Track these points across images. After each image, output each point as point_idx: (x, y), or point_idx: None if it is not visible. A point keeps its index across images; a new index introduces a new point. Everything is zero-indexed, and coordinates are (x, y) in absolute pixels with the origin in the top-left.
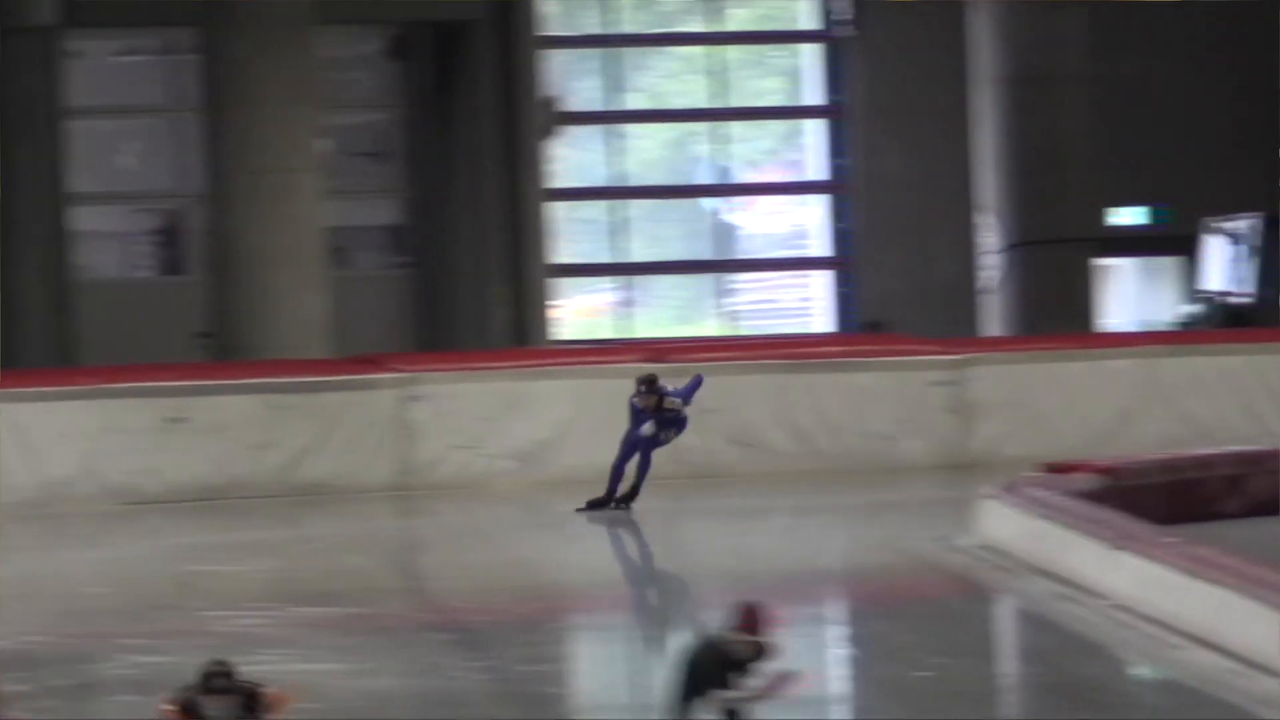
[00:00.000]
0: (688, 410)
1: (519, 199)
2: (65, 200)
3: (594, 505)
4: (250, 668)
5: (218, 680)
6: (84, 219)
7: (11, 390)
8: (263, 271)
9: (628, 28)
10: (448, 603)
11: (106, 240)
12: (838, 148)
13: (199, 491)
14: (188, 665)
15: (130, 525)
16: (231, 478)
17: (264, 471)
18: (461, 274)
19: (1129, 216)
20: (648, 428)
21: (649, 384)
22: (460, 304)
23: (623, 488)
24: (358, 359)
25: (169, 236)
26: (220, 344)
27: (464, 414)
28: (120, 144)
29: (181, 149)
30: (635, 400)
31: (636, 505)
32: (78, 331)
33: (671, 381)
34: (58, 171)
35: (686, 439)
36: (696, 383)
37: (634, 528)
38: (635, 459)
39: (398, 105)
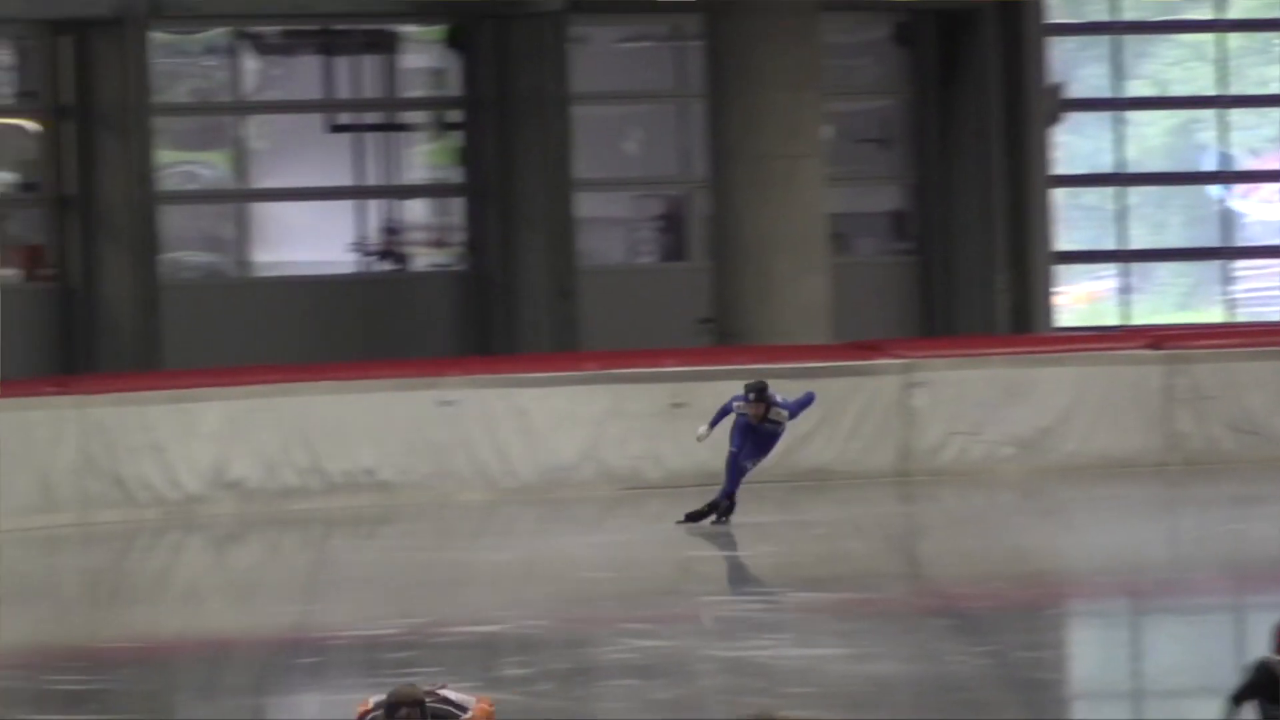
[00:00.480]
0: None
1: (1022, 185)
2: (570, 186)
3: (695, 516)
4: (747, 654)
5: (404, 711)
6: (588, 205)
7: (515, 375)
8: (764, 258)
9: (1131, 15)
10: (947, 588)
11: (610, 226)
12: None
13: (700, 476)
14: (687, 650)
15: (632, 510)
16: None
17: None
18: (963, 260)
19: None
20: (751, 463)
21: (759, 392)
22: (961, 290)
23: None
24: (859, 345)
25: (671, 223)
26: (721, 330)
27: (965, 400)
28: (624, 130)
29: (684, 135)
30: (740, 406)
31: (1103, 492)
32: (580, 317)
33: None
34: (563, 157)
35: (1181, 425)
36: (808, 399)
37: (1132, 516)
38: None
39: (901, 92)
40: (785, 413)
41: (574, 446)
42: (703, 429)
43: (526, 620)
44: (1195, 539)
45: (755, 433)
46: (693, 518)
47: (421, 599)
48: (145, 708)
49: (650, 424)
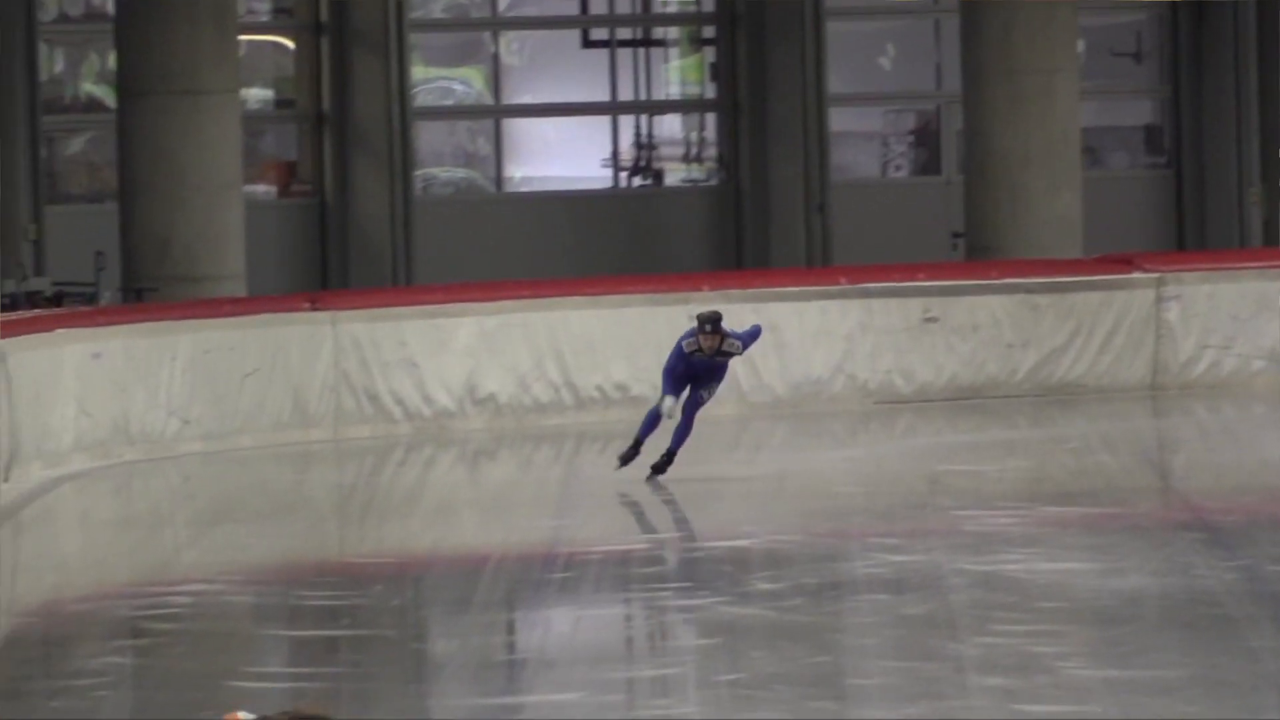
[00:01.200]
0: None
1: (1275, 99)
2: (824, 101)
3: (625, 459)
4: (997, 568)
5: None
6: (840, 120)
7: (767, 289)
8: (1016, 172)
9: None
10: (1199, 502)
11: (863, 141)
12: None
13: (951, 391)
14: (938, 565)
15: (882, 425)
16: (984, 377)
17: (1017, 371)
18: (1215, 174)
19: None
20: (707, 392)
21: (715, 323)
22: (1213, 204)
23: (651, 451)
24: (1111, 258)
25: (924, 137)
26: (973, 244)
27: (1217, 313)
28: (878, 45)
29: (938, 50)
30: (694, 341)
31: None
32: (832, 232)
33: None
34: (818, 73)
35: None
36: (756, 331)
37: None
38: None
39: (1155, 5)
40: (739, 344)
41: (825, 361)
42: (668, 402)
43: (777, 535)
44: None
45: (699, 369)
46: (656, 468)
47: (672, 514)
48: (397, 622)
49: (901, 338)
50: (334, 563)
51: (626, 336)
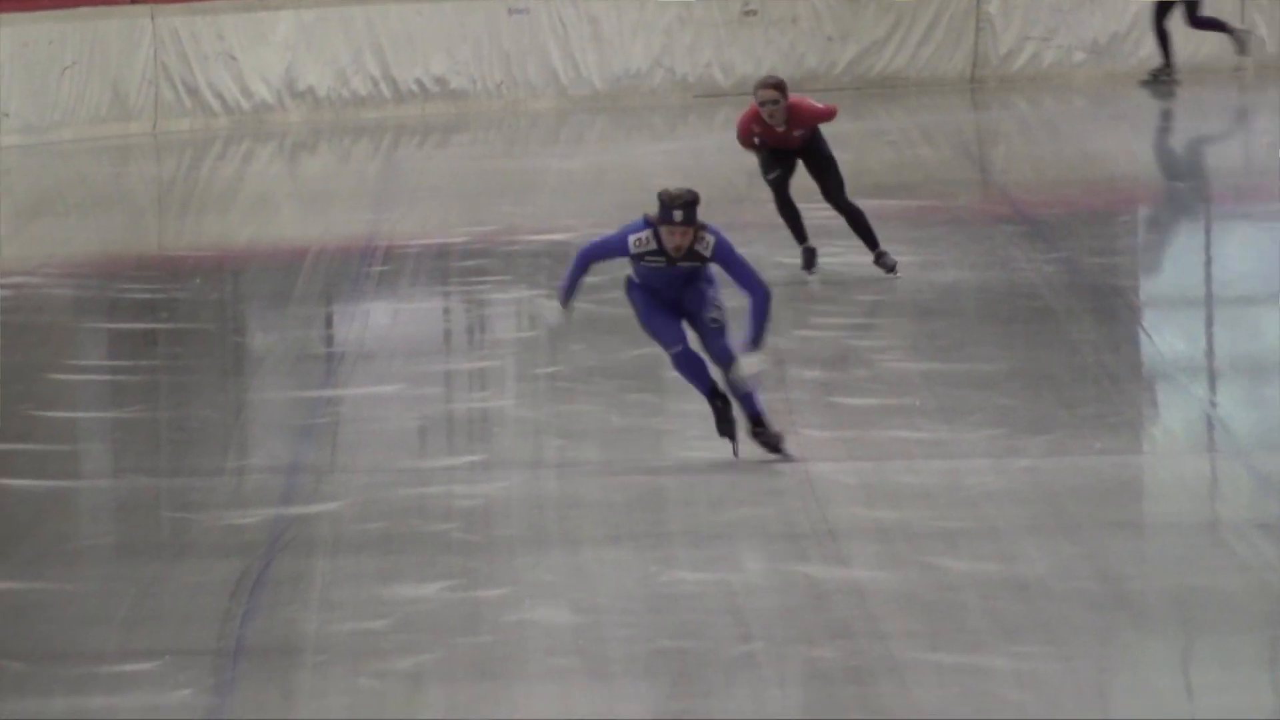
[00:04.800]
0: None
1: None
2: None
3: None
4: (827, 259)
5: None
6: None
7: None
8: None
9: None
10: (1018, 195)
11: None
12: None
13: None
14: (757, 258)
15: (701, 118)
16: (804, 70)
17: (837, 64)
18: None
19: None
20: (709, 310)
21: (689, 208)
22: None
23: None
24: None
25: None
26: None
27: (1039, 5)
28: None
29: None
30: (647, 238)
31: (1180, 97)
32: None
33: None
34: None
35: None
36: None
37: (1208, 121)
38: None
39: None
40: (712, 240)
41: (644, 54)
42: (552, 309)
43: (596, 228)
44: (1272, 144)
45: (661, 285)
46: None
47: (491, 207)
48: (216, 315)
49: (721, 32)
50: (153, 256)
51: (445, 30)
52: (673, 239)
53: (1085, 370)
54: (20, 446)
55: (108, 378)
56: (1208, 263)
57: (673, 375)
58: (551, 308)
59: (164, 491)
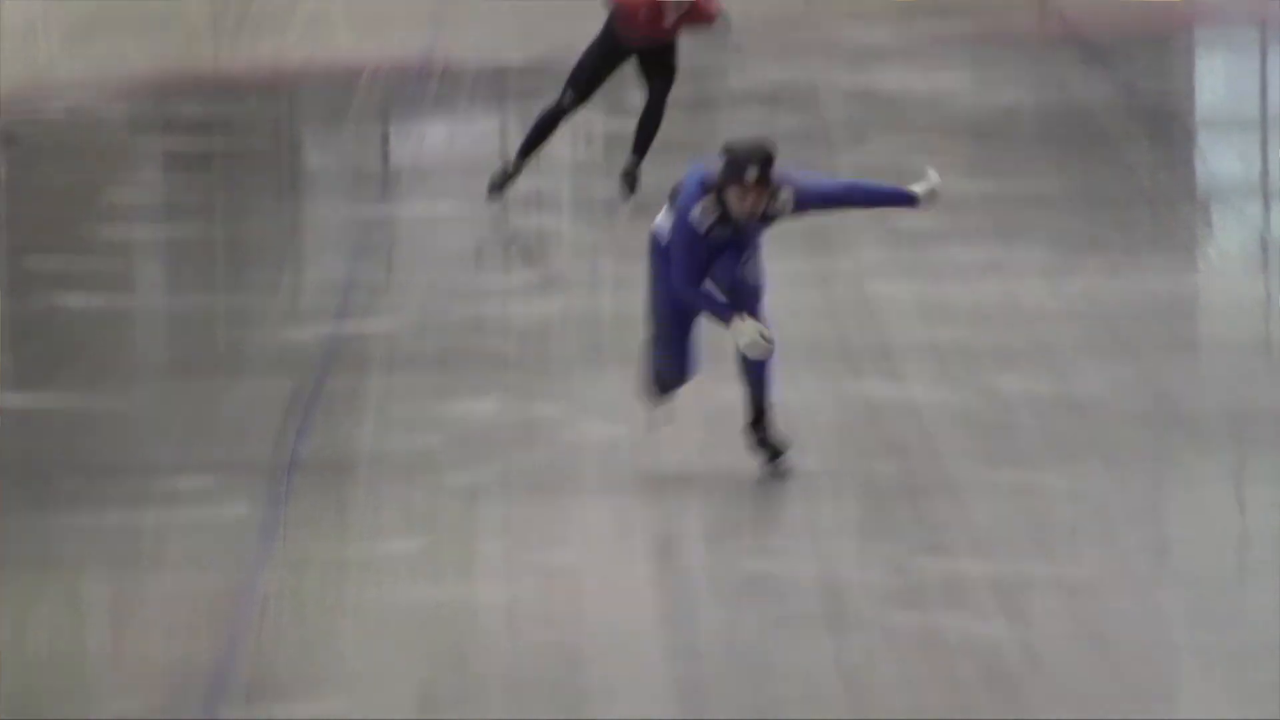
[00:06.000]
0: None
1: None
2: None
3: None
4: (874, 84)
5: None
6: None
7: None
8: None
9: None
10: (1076, 16)
11: None
12: None
13: None
14: (814, 80)
15: None
16: None
17: None
18: None
19: None
20: (751, 274)
21: (765, 164)
22: None
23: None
24: None
25: None
26: None
27: None
28: None
29: None
30: (711, 205)
31: None
32: None
33: None
34: None
35: None
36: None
37: None
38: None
39: None
40: (790, 192)
41: None
42: (748, 331)
43: None
44: None
45: (717, 253)
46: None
47: (549, 28)
48: (272, 135)
49: None
50: (208, 75)
51: None
52: (745, 204)
53: (1140, 192)
54: (76, 263)
55: (163, 196)
56: (1263, 86)
57: None
58: (744, 329)
59: (219, 308)
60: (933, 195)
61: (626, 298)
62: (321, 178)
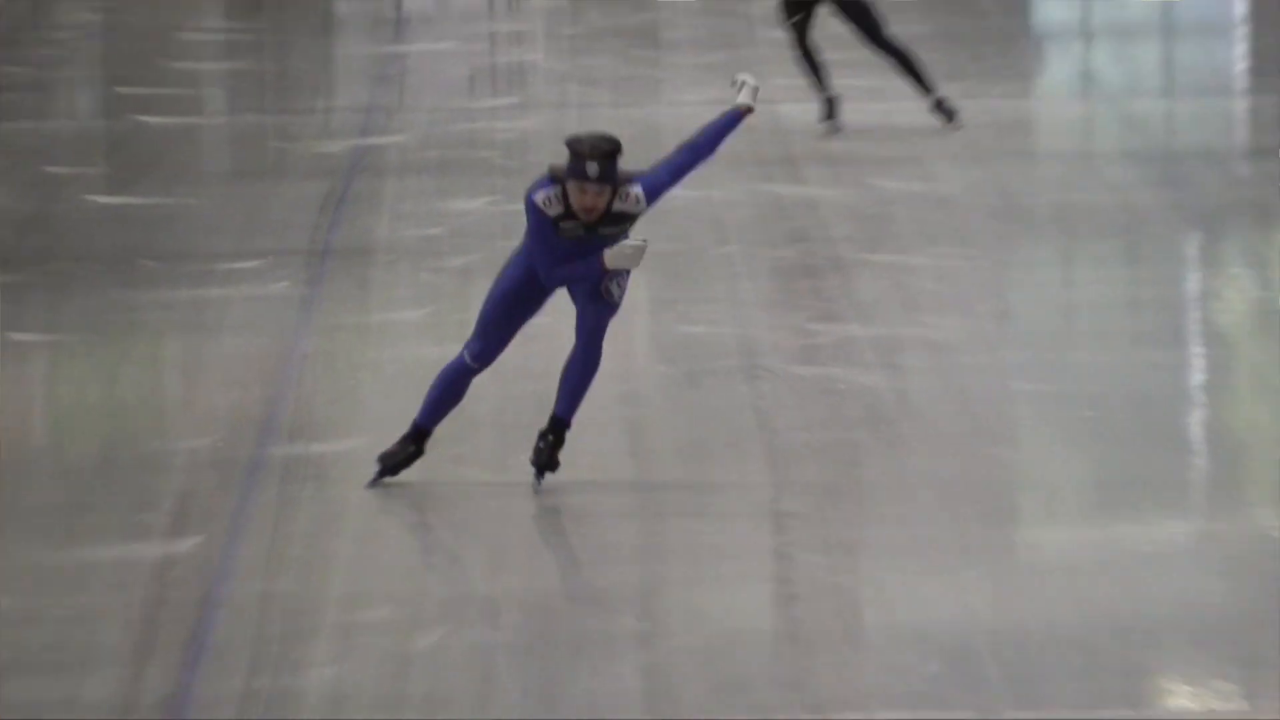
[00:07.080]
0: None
1: None
2: None
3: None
4: None
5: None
6: None
7: None
8: None
9: None
10: None
11: None
12: None
13: None
14: None
15: None
16: None
17: None
18: None
19: None
20: (614, 288)
21: (606, 160)
22: None
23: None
24: None
25: None
26: None
27: None
28: None
29: None
30: (553, 194)
31: None
32: None
33: None
34: None
35: None
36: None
37: None
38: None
39: None
40: (640, 194)
41: None
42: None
43: None
44: None
45: (568, 254)
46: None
47: None
48: None
49: None
50: None
51: None
52: (584, 199)
53: (990, 31)
54: (155, 90)
55: (224, 36)
56: None
57: (671, 34)
58: (615, 252)
59: (269, 126)
60: (755, 94)
61: (590, 115)
62: (349, 22)
